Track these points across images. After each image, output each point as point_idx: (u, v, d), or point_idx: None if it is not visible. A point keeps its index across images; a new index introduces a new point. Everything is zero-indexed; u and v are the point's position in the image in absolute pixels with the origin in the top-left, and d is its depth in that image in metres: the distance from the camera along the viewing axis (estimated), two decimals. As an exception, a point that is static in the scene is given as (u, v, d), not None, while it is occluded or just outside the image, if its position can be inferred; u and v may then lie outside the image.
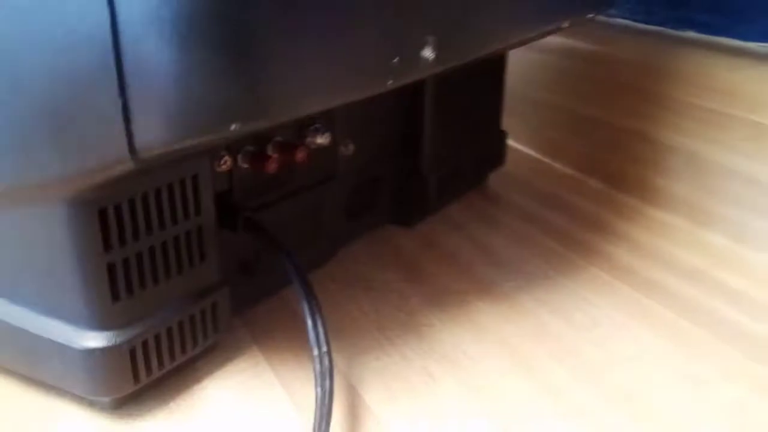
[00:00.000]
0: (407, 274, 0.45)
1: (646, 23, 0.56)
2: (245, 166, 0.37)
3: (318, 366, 0.32)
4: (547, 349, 0.38)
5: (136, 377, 0.31)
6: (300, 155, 0.38)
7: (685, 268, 0.45)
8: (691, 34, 0.52)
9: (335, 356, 0.35)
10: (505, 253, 0.47)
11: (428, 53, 0.28)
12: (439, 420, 0.32)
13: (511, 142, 0.59)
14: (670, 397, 0.34)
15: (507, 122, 0.56)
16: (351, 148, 0.45)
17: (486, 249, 0.48)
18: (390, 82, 0.28)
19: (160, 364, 0.32)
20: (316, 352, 0.32)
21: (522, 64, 0.61)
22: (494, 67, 0.53)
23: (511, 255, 0.47)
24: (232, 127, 0.24)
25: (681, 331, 0.39)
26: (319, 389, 0.31)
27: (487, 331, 0.39)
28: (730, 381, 0.35)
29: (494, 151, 0.57)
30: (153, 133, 0.24)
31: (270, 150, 0.37)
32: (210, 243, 0.34)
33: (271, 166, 0.37)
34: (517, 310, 0.41)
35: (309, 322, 0.33)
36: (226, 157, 0.35)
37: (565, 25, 0.34)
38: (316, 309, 0.33)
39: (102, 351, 0.30)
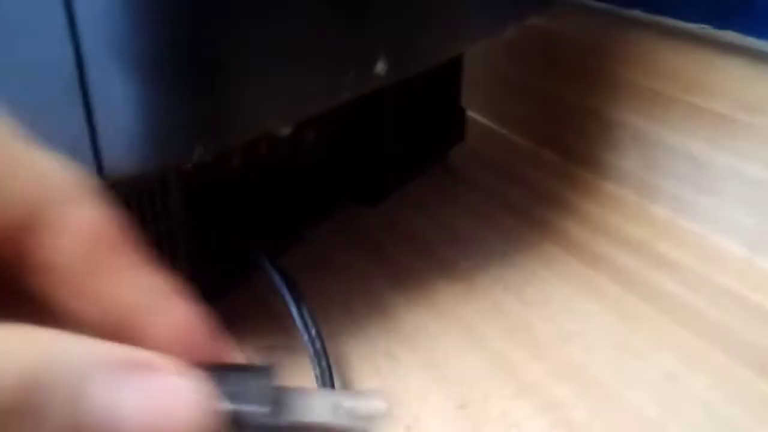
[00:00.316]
0: (370, 255, 0.48)
1: (598, 0, 0.58)
2: (209, 160, 0.38)
3: (311, 348, 0.34)
4: (502, 326, 0.41)
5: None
6: (262, 148, 0.40)
7: (631, 242, 0.48)
8: (638, 13, 0.54)
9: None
10: (463, 231, 0.50)
11: (381, 67, 0.30)
12: (403, 399, 0.35)
13: (471, 114, 0.61)
14: (610, 369, 0.37)
15: (467, 95, 0.58)
16: (312, 134, 0.46)
17: (446, 227, 0.50)
18: (346, 95, 0.30)
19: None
20: (306, 336, 0.35)
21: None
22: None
23: (470, 233, 0.50)
24: (197, 152, 0.26)
25: (624, 304, 0.42)
26: (317, 369, 0.34)
27: (446, 310, 0.42)
28: (664, 351, 0.38)
29: (454, 128, 0.59)
30: (120, 159, 0.26)
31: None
32: (180, 243, 0.36)
33: (235, 161, 0.39)
34: (474, 288, 0.44)
35: (294, 309, 0.35)
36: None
37: (512, 28, 0.36)
38: (298, 294, 0.36)
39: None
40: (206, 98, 0.26)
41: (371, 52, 0.30)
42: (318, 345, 0.35)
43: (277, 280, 0.37)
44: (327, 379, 0.34)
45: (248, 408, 0.15)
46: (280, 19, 0.27)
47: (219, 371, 0.15)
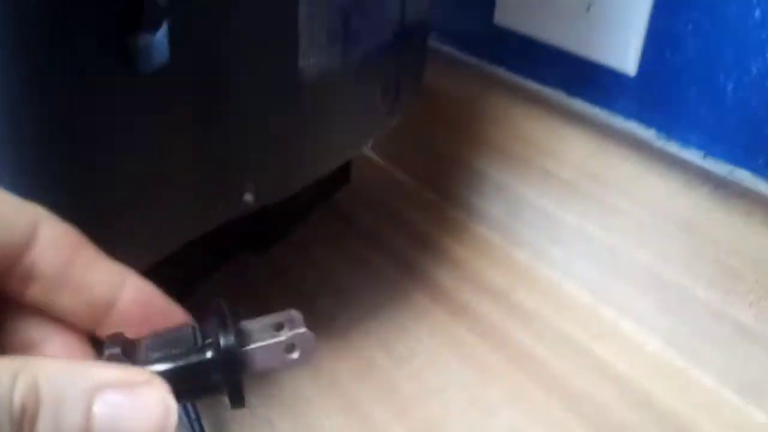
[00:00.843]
0: (256, 308, 0.51)
1: (469, 54, 0.62)
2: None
3: (185, 417, 0.38)
4: (372, 385, 0.46)
5: None
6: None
7: (492, 289, 0.54)
8: (504, 72, 0.59)
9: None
10: (344, 280, 0.54)
11: (249, 197, 0.34)
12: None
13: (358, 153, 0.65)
14: (463, 424, 0.43)
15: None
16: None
17: (329, 276, 0.55)
18: (213, 224, 0.33)
19: None
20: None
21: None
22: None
23: (350, 282, 0.54)
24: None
25: (480, 357, 0.48)
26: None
27: (322, 371, 0.46)
28: (511, 405, 0.44)
29: (340, 170, 0.63)
30: None
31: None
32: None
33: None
34: (349, 345, 0.48)
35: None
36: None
37: (369, 143, 0.40)
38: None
39: None
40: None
41: (239, 186, 0.33)
42: (191, 410, 0.38)
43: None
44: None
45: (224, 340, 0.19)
46: (147, 159, 0.30)
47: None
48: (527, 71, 0.58)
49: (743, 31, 0.44)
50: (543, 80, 0.57)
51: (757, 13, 0.43)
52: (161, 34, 0.26)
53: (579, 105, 0.54)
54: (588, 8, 0.51)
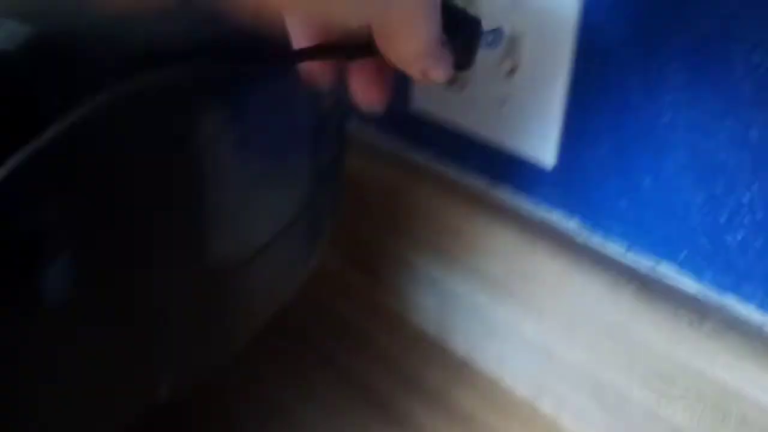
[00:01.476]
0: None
1: (389, 141, 0.61)
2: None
3: None
4: None
5: None
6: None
7: (427, 390, 0.52)
8: (429, 161, 0.58)
9: None
10: (271, 381, 0.52)
11: (163, 391, 0.31)
12: None
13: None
14: None
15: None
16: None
17: (257, 398, 0.52)
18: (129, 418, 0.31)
19: None
20: None
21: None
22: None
23: (276, 382, 0.52)
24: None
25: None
26: None
27: None
28: None
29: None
30: None
31: None
32: None
33: None
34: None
35: None
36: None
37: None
38: None
39: None
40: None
41: (153, 380, 0.31)
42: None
43: None
44: None
45: None
46: (57, 365, 0.27)
47: None
48: (448, 159, 0.57)
49: (655, 130, 0.43)
50: (464, 169, 0.56)
51: (667, 115, 0.42)
52: (63, 266, 0.24)
53: (502, 195, 0.53)
54: (503, 103, 0.50)
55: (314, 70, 0.26)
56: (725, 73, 0.39)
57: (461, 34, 0.26)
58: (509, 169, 0.53)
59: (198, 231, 0.32)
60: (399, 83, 0.58)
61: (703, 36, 0.39)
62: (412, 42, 0.22)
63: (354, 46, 0.25)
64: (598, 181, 0.48)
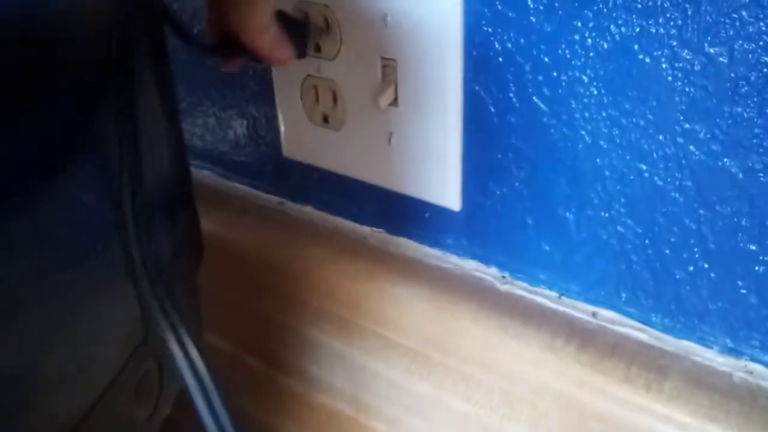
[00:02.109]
0: None
1: (268, 193, 0.52)
2: None
3: None
4: None
5: None
6: None
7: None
8: (313, 215, 0.49)
9: None
10: None
11: None
12: None
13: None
14: None
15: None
16: None
17: None
18: None
19: None
20: None
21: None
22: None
23: None
24: None
25: None
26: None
27: None
28: None
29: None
30: None
31: None
32: None
33: None
34: None
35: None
36: None
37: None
38: None
39: None
40: None
41: None
42: None
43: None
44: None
45: None
46: None
47: None
48: (334, 210, 0.48)
49: (573, 158, 0.36)
50: (356, 220, 0.47)
51: (586, 137, 0.35)
52: None
53: (405, 247, 0.45)
54: (388, 140, 0.42)
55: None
56: (651, 77, 0.32)
57: (296, 30, 0.35)
58: (408, 215, 0.44)
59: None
60: (268, 132, 0.49)
61: (619, 36, 0.32)
62: (256, 17, 0.30)
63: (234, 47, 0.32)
64: (512, 222, 0.40)
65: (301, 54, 0.39)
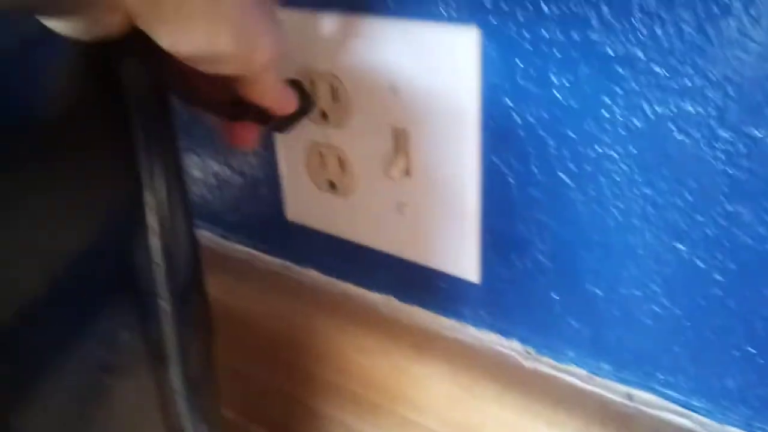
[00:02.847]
0: None
1: (271, 255, 0.49)
2: None
3: None
4: None
5: None
6: None
7: None
8: (317, 275, 0.47)
9: None
10: None
11: None
12: None
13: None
14: None
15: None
16: None
17: None
18: None
19: None
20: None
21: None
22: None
23: None
24: None
25: None
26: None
27: None
28: None
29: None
30: None
31: None
32: None
33: None
34: None
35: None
36: None
37: None
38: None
39: None
40: None
41: None
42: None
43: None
44: None
45: None
46: None
47: None
48: (342, 274, 0.46)
49: (603, 234, 0.34)
50: (364, 284, 0.45)
51: (617, 214, 0.33)
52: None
53: (416, 314, 0.43)
54: (401, 209, 0.39)
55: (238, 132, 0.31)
56: (689, 157, 0.30)
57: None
58: (421, 284, 0.42)
59: None
60: (270, 194, 0.46)
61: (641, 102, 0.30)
62: (267, 82, 0.28)
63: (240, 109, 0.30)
64: (537, 295, 0.38)
65: (304, 110, 0.35)
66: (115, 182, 0.24)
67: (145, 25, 0.21)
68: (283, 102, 0.31)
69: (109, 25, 0.21)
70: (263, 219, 0.48)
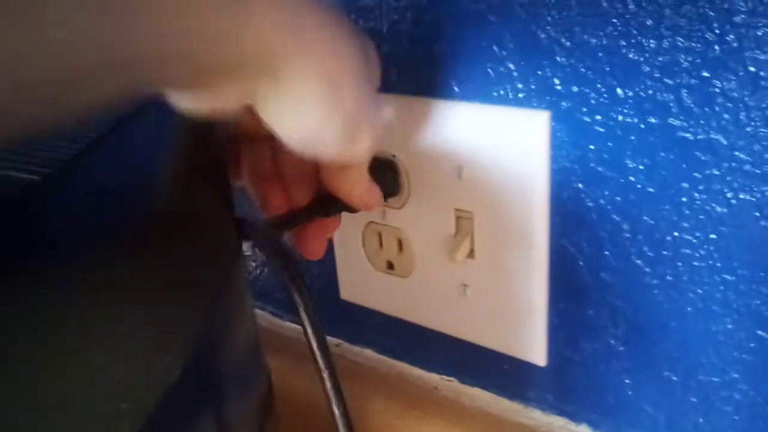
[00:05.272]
0: None
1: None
2: None
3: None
4: None
5: None
6: None
7: None
8: (372, 354, 0.46)
9: None
10: None
11: None
12: None
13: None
14: None
15: None
16: None
17: None
18: None
19: None
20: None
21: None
22: None
23: None
24: None
25: None
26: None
27: None
28: None
29: None
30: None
31: None
32: None
33: None
34: None
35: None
36: None
37: None
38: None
39: None
40: None
41: None
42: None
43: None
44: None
45: None
46: None
47: None
48: (398, 353, 0.45)
49: (680, 321, 0.32)
50: (422, 365, 0.44)
51: (696, 300, 0.32)
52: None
53: (479, 397, 0.41)
54: (464, 291, 0.38)
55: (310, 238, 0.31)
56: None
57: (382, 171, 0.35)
58: (484, 366, 0.41)
59: None
60: (323, 273, 0.46)
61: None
62: (359, 172, 0.28)
63: (328, 204, 0.30)
64: (608, 379, 0.36)
65: (390, 193, 0.37)
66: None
67: (259, 103, 0.21)
68: (370, 198, 0.30)
69: (224, 100, 0.21)
70: (316, 297, 0.48)
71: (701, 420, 0.34)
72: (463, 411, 0.41)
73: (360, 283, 0.44)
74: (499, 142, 0.34)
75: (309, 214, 0.30)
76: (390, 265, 0.41)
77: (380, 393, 0.44)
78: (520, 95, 0.33)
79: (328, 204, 0.30)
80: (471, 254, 0.37)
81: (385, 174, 0.37)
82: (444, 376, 0.43)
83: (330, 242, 0.44)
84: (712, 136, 0.28)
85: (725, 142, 0.28)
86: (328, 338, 0.48)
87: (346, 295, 0.45)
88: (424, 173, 0.37)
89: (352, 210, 0.31)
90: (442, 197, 0.37)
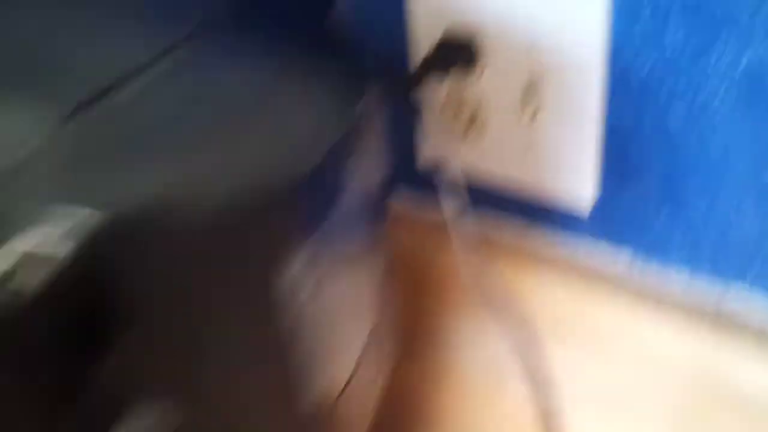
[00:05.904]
0: None
1: (416, 203, 0.57)
2: None
3: None
4: None
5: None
6: None
7: None
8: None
9: None
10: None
11: None
12: None
13: None
14: None
15: None
16: None
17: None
18: None
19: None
20: None
21: None
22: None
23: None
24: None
25: None
26: None
27: None
28: None
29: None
30: None
31: None
32: None
33: None
34: None
35: None
36: None
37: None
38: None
39: None
40: None
41: None
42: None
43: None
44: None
45: None
46: None
47: None
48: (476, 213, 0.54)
49: (707, 155, 0.41)
50: (496, 219, 0.53)
51: (720, 144, 0.41)
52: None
53: (541, 240, 0.51)
54: (527, 150, 0.47)
55: None
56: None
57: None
58: (542, 212, 0.50)
59: (289, 382, 0.29)
60: (408, 139, 0.54)
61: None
62: None
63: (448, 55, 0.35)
64: (646, 212, 0.46)
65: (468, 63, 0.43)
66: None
67: None
68: None
69: None
70: (397, 163, 0.57)
71: (720, 240, 0.43)
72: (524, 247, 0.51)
73: (441, 146, 0.53)
74: (564, 15, 0.42)
75: (430, 66, 0.36)
76: (466, 128, 0.50)
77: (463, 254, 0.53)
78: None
79: (448, 54, 0.35)
80: (534, 116, 0.46)
81: (464, 46, 0.45)
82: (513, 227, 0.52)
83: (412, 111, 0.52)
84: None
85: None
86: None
87: (428, 158, 0.54)
88: (497, 45, 0.45)
89: (470, 61, 0.36)
90: (513, 67, 0.45)
